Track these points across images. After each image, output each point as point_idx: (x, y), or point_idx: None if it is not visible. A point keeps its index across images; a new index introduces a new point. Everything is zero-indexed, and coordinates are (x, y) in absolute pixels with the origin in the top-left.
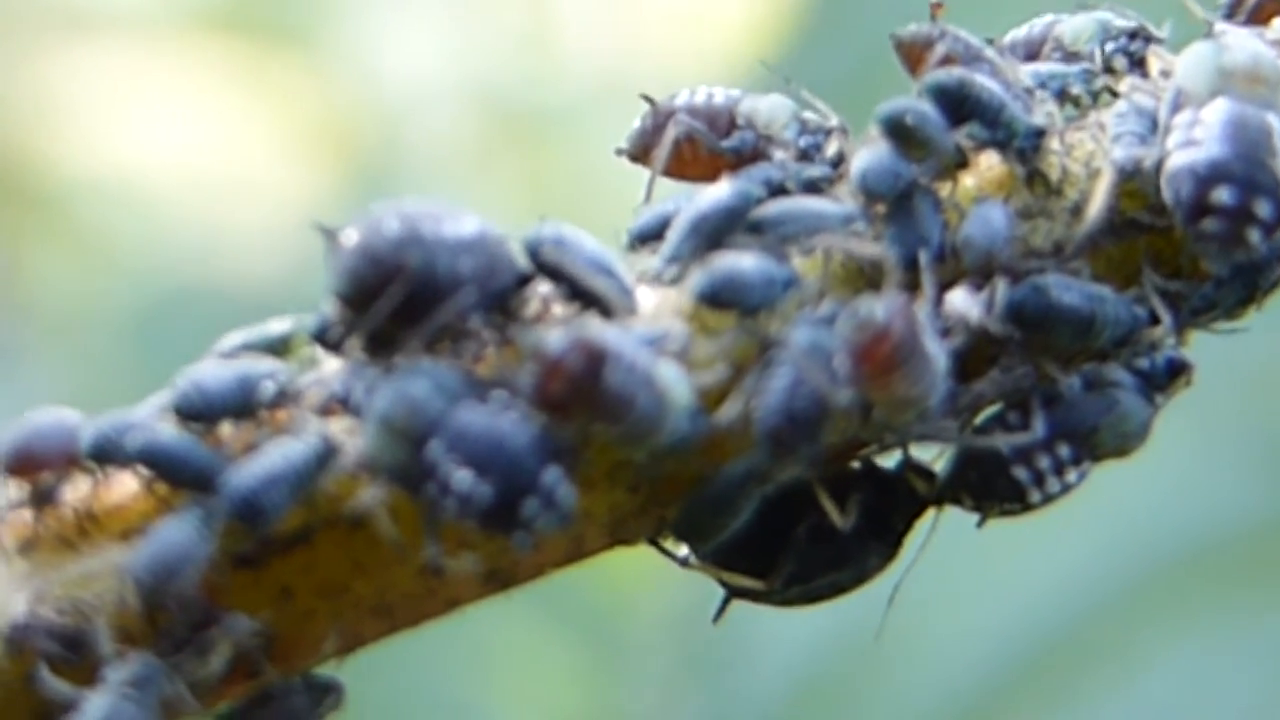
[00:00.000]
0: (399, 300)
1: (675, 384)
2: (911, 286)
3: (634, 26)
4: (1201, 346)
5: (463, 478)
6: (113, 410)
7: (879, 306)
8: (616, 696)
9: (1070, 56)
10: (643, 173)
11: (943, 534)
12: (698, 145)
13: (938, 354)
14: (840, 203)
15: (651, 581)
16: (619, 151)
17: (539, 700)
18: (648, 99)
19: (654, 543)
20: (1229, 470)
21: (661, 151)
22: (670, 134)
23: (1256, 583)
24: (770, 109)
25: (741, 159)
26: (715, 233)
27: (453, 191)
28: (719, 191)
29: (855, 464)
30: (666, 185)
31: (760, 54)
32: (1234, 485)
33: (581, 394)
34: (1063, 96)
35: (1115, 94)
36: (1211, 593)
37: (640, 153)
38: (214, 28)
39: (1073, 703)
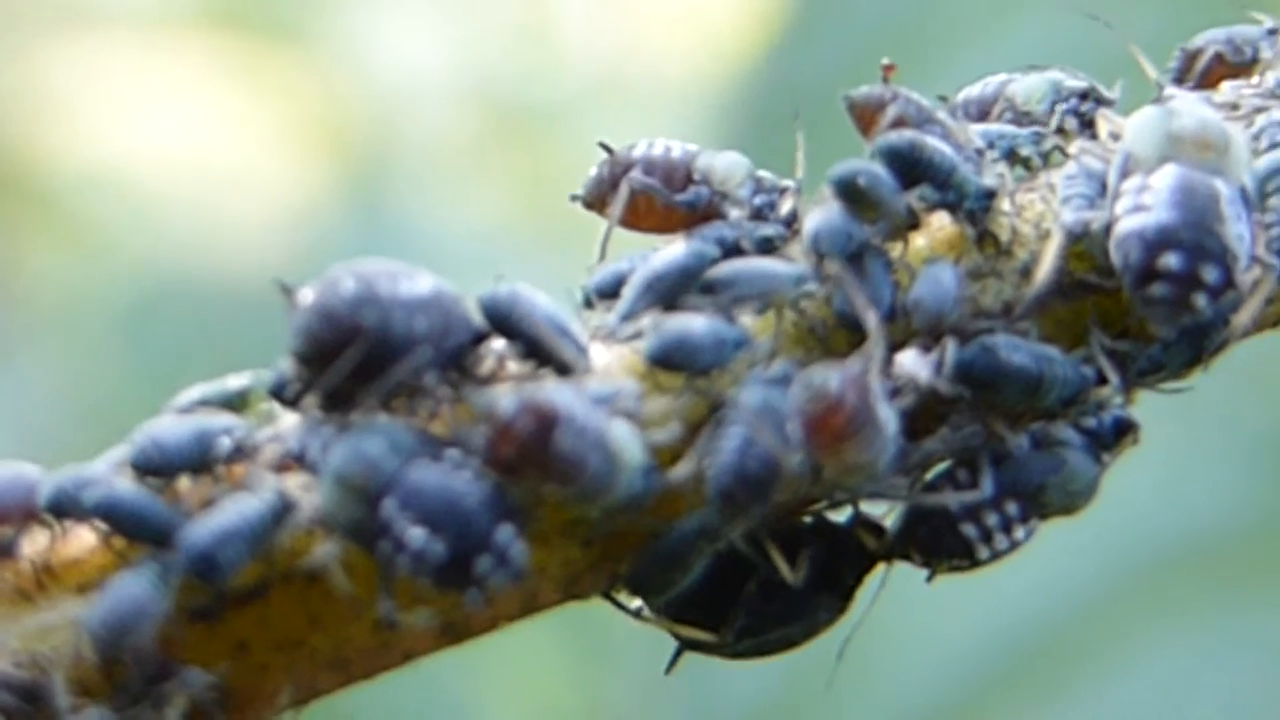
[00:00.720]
0: (356, 361)
1: (628, 444)
2: (859, 345)
3: (629, 22)
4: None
5: (416, 535)
6: (107, 404)
7: (832, 377)
8: (603, 691)
9: (1022, 116)
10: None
11: None
12: (652, 198)
13: (889, 419)
14: (793, 262)
15: None
16: (574, 198)
17: (526, 695)
18: (605, 148)
19: (607, 596)
20: (1214, 470)
21: (617, 205)
22: (625, 188)
23: (1240, 582)
24: (726, 166)
25: (696, 213)
26: (670, 292)
27: (448, 186)
28: (674, 251)
29: (806, 519)
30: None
31: (751, 51)
32: (1218, 485)
33: (532, 457)
34: (1012, 157)
35: (1066, 155)
36: (1195, 592)
37: (596, 201)
38: (210, 22)
39: (1055, 701)
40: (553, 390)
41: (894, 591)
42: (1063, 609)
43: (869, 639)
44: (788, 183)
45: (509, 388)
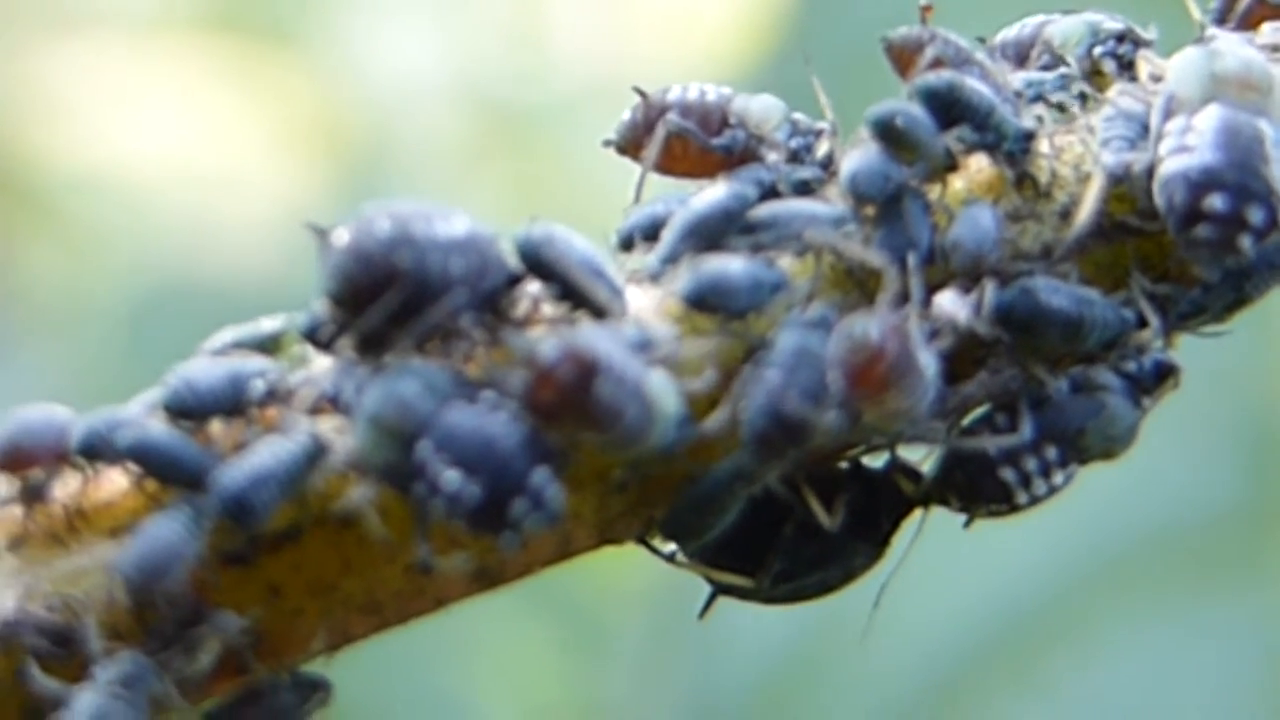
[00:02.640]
0: (392, 303)
1: (664, 394)
2: (900, 289)
3: (623, 25)
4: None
5: (451, 477)
6: (103, 405)
7: (872, 325)
8: (594, 682)
9: (1058, 59)
10: (629, 170)
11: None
12: (688, 142)
13: (929, 364)
14: (831, 204)
15: (630, 568)
16: (607, 143)
17: (518, 687)
18: (639, 91)
19: (642, 541)
20: (1195, 458)
21: (652, 148)
22: (661, 131)
23: (1219, 569)
24: (762, 109)
25: (732, 157)
26: (712, 234)
27: (442, 188)
28: (715, 193)
29: (843, 464)
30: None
31: (748, 53)
32: (1199, 473)
33: (571, 404)
34: (1041, 103)
35: (1094, 98)
36: (1168, 579)
37: (629, 146)
38: (205, 25)
39: (1037, 685)
40: (593, 337)
41: (877, 580)
42: (1038, 596)
43: (848, 629)
44: (823, 125)
45: (548, 332)
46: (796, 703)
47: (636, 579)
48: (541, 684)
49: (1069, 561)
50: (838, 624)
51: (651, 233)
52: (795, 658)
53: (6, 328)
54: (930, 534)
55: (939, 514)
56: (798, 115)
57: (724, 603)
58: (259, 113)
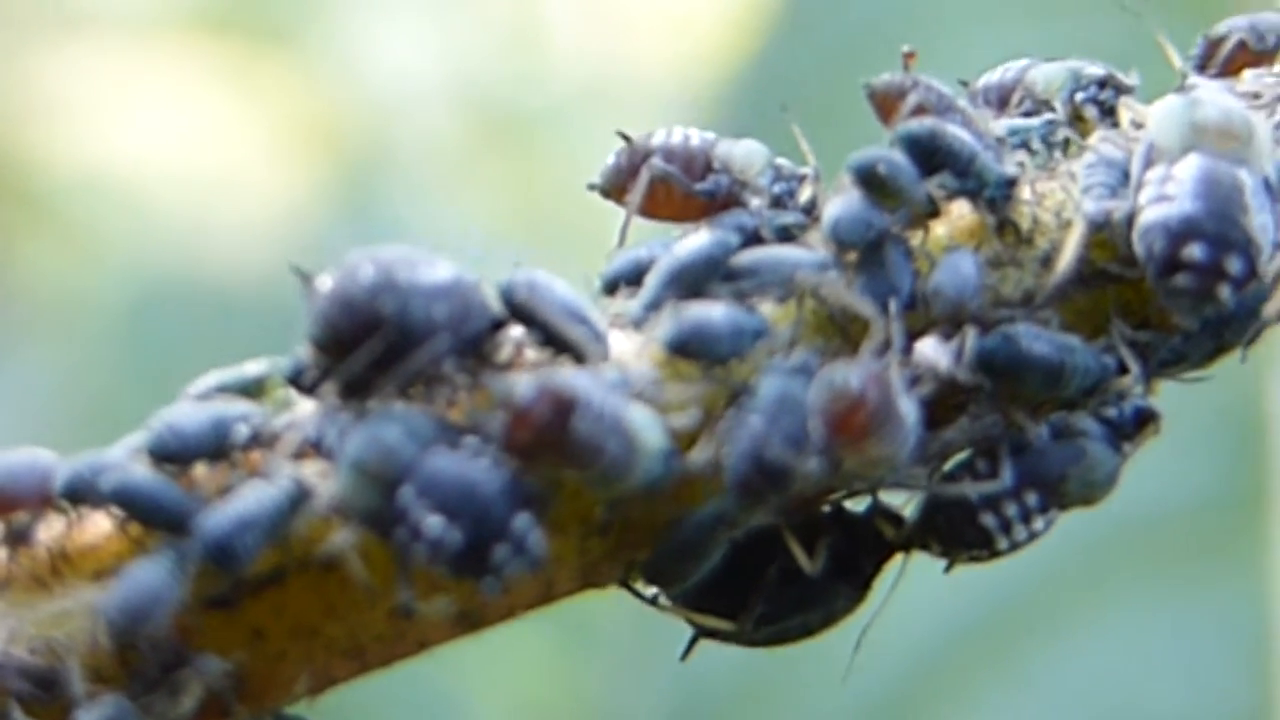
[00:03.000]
0: (375, 350)
1: (646, 428)
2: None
3: (618, 28)
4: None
5: (434, 523)
6: (102, 404)
7: (853, 374)
8: (584, 679)
9: (1041, 104)
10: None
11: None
12: (672, 187)
13: (909, 412)
14: (813, 250)
15: None
16: (591, 187)
17: (511, 689)
18: (624, 136)
19: (625, 585)
20: (1178, 445)
21: (636, 193)
22: (645, 176)
23: (1202, 556)
24: (745, 154)
25: (715, 202)
26: (695, 281)
27: (439, 189)
28: (699, 240)
29: (824, 508)
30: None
31: (737, 56)
32: (1182, 460)
33: (549, 442)
34: (1026, 150)
35: (1079, 144)
36: (1156, 566)
37: (613, 190)
38: (203, 26)
39: (1018, 673)
40: (570, 375)
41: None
42: (1018, 584)
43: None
44: (806, 170)
45: (527, 373)
46: (779, 695)
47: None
48: (533, 681)
49: (1049, 549)
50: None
51: (635, 278)
52: (777, 651)
53: (5, 328)
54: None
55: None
56: (781, 160)
57: None
58: (257, 114)
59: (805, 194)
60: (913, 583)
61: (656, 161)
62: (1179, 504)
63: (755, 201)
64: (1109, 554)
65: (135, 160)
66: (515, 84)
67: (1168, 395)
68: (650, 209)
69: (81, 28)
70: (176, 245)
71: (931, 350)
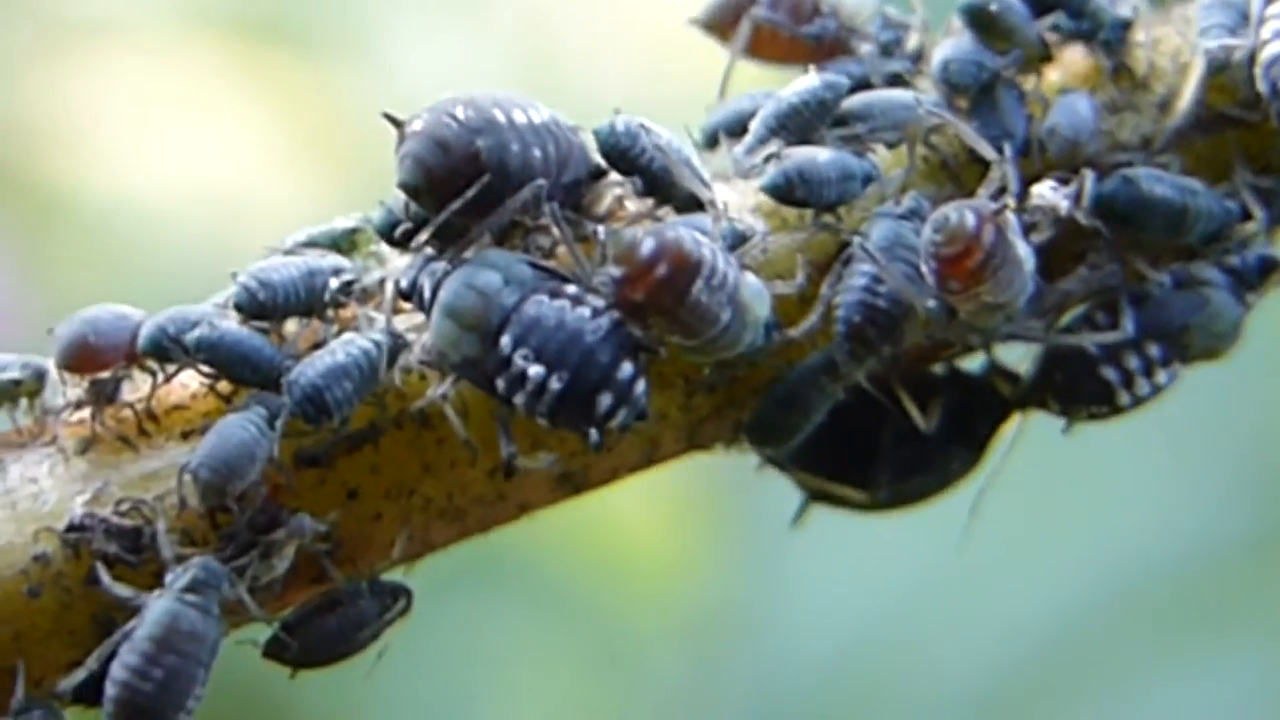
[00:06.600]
0: (471, 193)
1: (756, 300)
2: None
3: (638, 42)
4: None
5: (536, 372)
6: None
7: (968, 213)
8: (618, 701)
9: None
10: None
11: (931, 563)
12: (777, 29)
13: (1026, 256)
14: (924, 95)
15: (656, 585)
16: (691, 21)
17: (539, 705)
18: None
19: (731, 447)
20: (1210, 499)
21: (739, 40)
22: (746, 25)
23: (1236, 608)
24: (855, 1)
25: (821, 46)
26: (803, 125)
27: None
28: (807, 82)
29: (938, 367)
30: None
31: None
32: (1215, 513)
33: (664, 304)
34: None
35: None
36: (1191, 618)
37: (714, 25)
38: (225, 40)
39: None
40: (690, 234)
41: (902, 616)
42: (1064, 635)
43: (878, 656)
44: (913, 19)
45: (643, 227)
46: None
47: (673, 610)
48: (564, 701)
49: (1085, 603)
50: (864, 648)
51: (738, 129)
52: (822, 681)
53: (30, 347)
54: (949, 578)
55: (955, 563)
56: (889, 9)
57: (753, 622)
58: (279, 129)
59: (912, 42)
60: (963, 633)
61: (760, 10)
62: (1213, 557)
63: (864, 48)
64: (1144, 606)
65: (156, 175)
66: (534, 97)
67: (1218, 448)
68: (755, 49)
69: (102, 42)
70: (197, 258)
71: (1049, 194)
